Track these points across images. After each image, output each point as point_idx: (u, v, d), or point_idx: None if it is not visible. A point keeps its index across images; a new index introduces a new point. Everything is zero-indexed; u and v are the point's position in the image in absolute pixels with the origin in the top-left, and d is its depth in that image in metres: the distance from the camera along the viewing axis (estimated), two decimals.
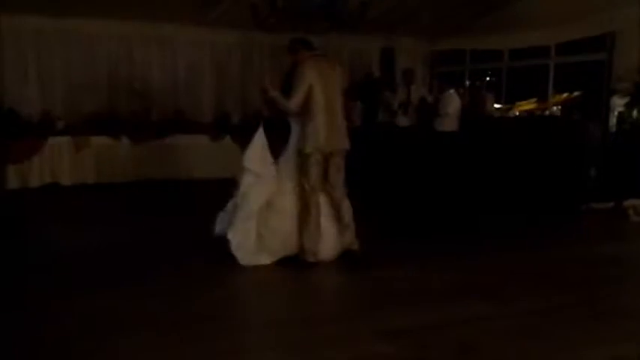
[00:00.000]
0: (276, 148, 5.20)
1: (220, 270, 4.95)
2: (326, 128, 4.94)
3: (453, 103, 8.77)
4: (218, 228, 5.29)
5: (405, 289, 4.55)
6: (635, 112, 8.57)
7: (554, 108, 10.18)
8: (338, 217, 5.06)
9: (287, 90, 4.92)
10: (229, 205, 5.23)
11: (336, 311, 4.18)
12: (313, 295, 4.52)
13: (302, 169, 4.98)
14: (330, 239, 5.05)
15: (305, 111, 4.93)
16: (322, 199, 5.05)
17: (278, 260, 5.02)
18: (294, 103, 4.86)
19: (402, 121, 9.66)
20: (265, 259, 4.98)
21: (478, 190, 8.34)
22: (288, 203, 5.03)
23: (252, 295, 4.37)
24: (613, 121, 8.97)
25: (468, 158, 8.60)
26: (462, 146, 8.54)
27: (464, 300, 4.25)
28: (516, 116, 10.30)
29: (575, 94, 10.11)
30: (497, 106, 11.01)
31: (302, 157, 4.98)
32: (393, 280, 4.72)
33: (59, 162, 9.39)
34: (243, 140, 10.13)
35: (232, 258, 5.05)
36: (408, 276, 4.82)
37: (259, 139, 5.16)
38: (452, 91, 9.08)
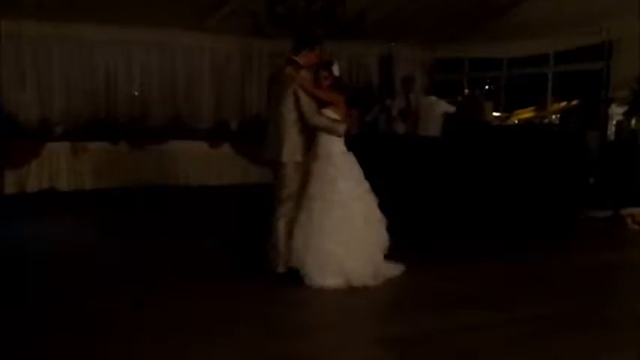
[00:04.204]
0: None
1: (217, 278, 4.93)
2: (269, 138, 4.92)
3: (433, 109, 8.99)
4: None
5: (404, 296, 4.53)
6: (633, 121, 8.58)
7: (553, 116, 10.18)
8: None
9: None
10: None
11: (336, 318, 4.15)
12: (312, 303, 4.48)
13: None
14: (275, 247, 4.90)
15: None
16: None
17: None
18: None
19: (401, 128, 9.67)
20: None
21: (476, 197, 8.33)
22: None
23: (250, 304, 4.34)
24: (611, 129, 8.97)
25: (465, 166, 8.61)
26: (445, 152, 8.68)
27: (464, 307, 4.23)
28: (515, 124, 10.30)
29: (574, 102, 10.12)
30: (495, 114, 11.01)
31: None
32: (392, 286, 4.70)
33: (57, 167, 9.37)
34: (242, 147, 10.29)
35: (228, 266, 5.04)
36: (408, 283, 4.80)
37: None
38: (434, 97, 9.23)
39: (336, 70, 4.91)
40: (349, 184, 4.76)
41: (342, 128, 4.82)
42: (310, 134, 4.84)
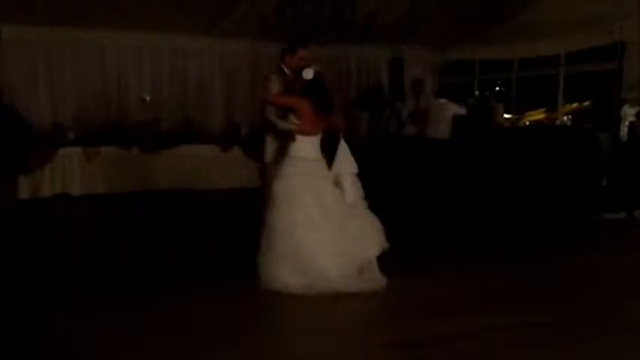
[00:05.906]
0: None
1: (233, 282, 4.92)
2: None
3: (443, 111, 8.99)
4: None
5: (411, 299, 4.52)
6: None
7: (565, 118, 10.13)
8: None
9: None
10: None
11: (345, 322, 4.15)
12: (323, 306, 4.48)
13: None
14: None
15: None
16: None
17: None
18: None
19: (411, 131, 9.65)
20: None
21: (487, 200, 8.29)
22: None
23: (264, 306, 4.34)
24: (624, 130, 8.91)
25: (475, 168, 8.58)
26: (455, 155, 8.67)
27: (471, 311, 4.21)
28: (526, 126, 10.25)
29: (586, 103, 10.05)
30: (506, 116, 10.95)
31: None
32: (400, 290, 4.68)
33: (70, 172, 9.44)
34: (253, 151, 10.30)
35: (245, 271, 5.08)
36: (415, 287, 4.79)
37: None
38: (444, 100, 9.22)
39: (307, 74, 4.83)
40: (294, 191, 4.69)
41: (291, 134, 4.79)
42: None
